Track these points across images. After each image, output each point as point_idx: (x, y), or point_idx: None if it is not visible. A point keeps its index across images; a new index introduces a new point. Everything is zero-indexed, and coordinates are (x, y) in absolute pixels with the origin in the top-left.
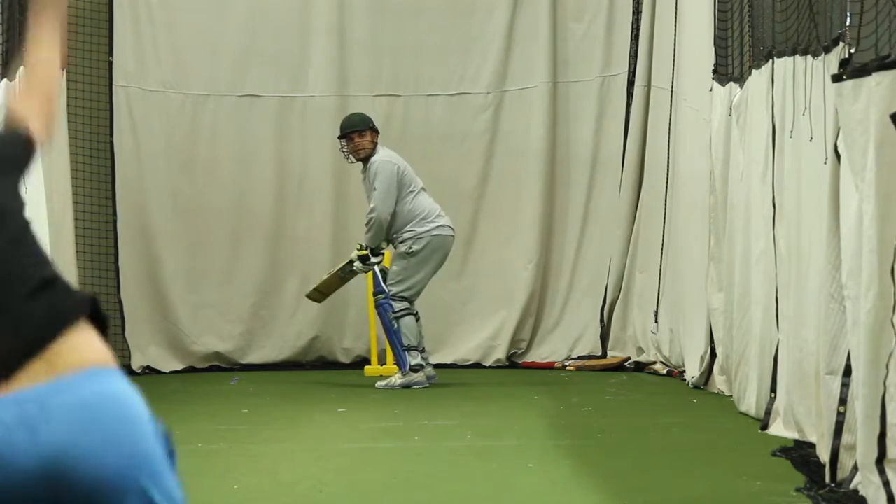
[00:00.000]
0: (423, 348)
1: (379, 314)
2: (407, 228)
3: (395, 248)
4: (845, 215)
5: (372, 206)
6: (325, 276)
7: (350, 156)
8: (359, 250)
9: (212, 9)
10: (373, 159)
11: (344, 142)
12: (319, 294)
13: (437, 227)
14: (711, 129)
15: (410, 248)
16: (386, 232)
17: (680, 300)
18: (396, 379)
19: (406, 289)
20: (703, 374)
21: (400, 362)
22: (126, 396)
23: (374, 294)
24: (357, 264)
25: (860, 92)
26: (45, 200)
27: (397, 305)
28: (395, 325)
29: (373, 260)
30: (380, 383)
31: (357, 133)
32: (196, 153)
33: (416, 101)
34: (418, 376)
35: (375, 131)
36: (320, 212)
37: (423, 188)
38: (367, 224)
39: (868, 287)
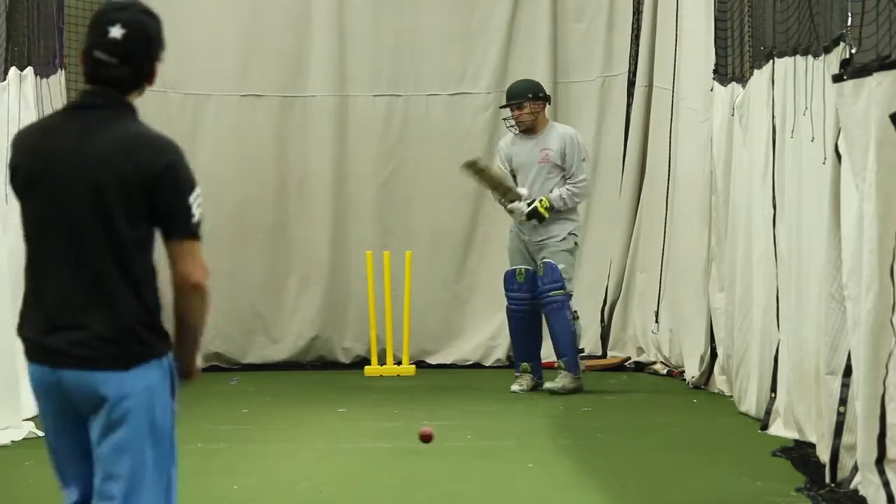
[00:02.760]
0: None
1: (553, 312)
2: (569, 216)
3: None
4: (846, 215)
5: (583, 177)
6: (493, 172)
7: (514, 126)
8: (540, 202)
9: (213, 9)
10: (565, 130)
11: (510, 110)
12: (478, 170)
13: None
14: (713, 129)
15: (575, 242)
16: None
17: (680, 300)
18: (569, 382)
19: (572, 286)
20: (703, 374)
21: (573, 365)
22: None
23: (549, 291)
24: (522, 207)
25: (861, 92)
26: None
27: (573, 306)
28: (574, 327)
29: (529, 213)
30: (550, 385)
31: (517, 105)
32: (196, 153)
33: (417, 100)
34: (582, 382)
35: (543, 100)
36: (321, 211)
37: None
38: (577, 189)
39: (868, 287)
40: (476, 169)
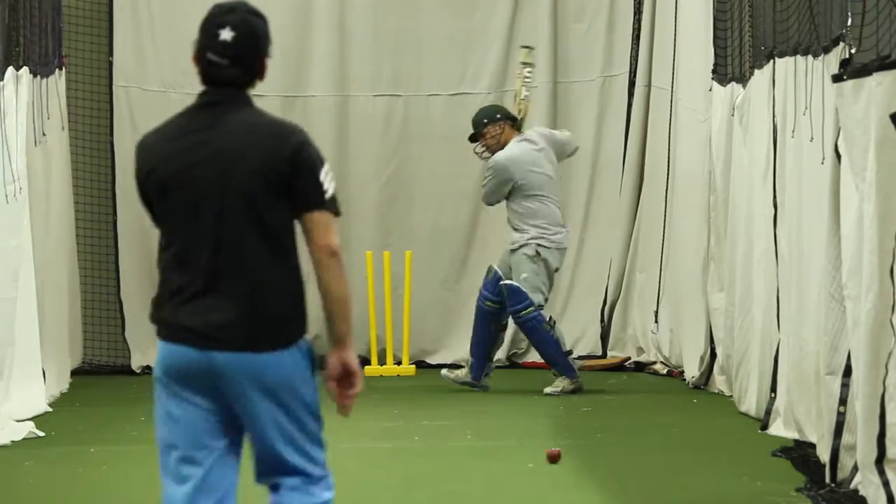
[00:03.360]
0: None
1: (530, 329)
2: (532, 234)
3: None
4: (846, 215)
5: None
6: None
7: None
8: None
9: None
10: (528, 135)
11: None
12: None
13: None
14: (712, 129)
15: (537, 251)
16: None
17: (680, 300)
18: (567, 385)
19: (544, 297)
20: (703, 374)
21: (567, 370)
22: None
23: (518, 312)
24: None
25: (860, 92)
26: (43, 201)
27: (545, 315)
28: (553, 334)
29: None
30: (549, 389)
31: (479, 135)
32: None
33: (417, 100)
34: (580, 382)
35: (491, 123)
36: None
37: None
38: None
39: (868, 287)
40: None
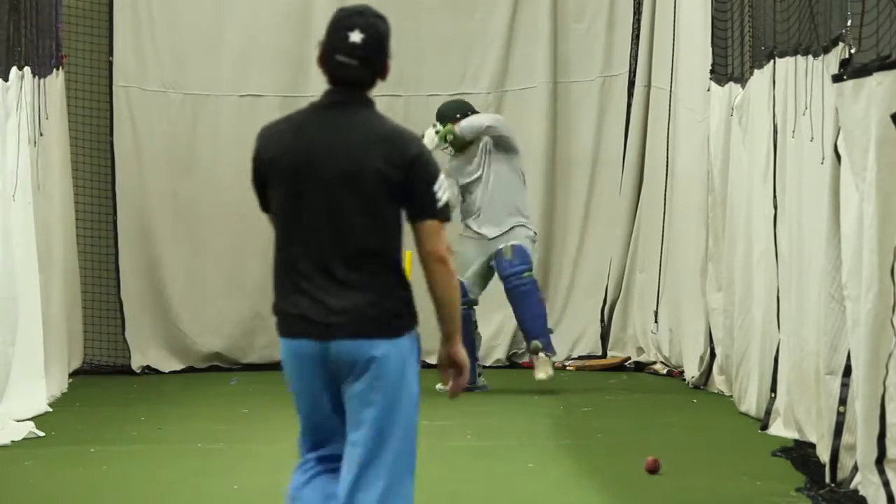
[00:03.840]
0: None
1: (529, 293)
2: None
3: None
4: (846, 215)
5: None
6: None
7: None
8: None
9: (212, 8)
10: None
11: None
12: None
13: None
14: (710, 130)
15: (535, 233)
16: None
17: (680, 300)
18: (552, 366)
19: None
20: (703, 374)
21: (550, 347)
22: None
23: (522, 273)
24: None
25: (861, 92)
26: (43, 201)
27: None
28: (544, 309)
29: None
30: (542, 376)
31: (456, 121)
32: (196, 153)
33: (417, 101)
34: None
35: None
36: None
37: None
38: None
39: (868, 287)
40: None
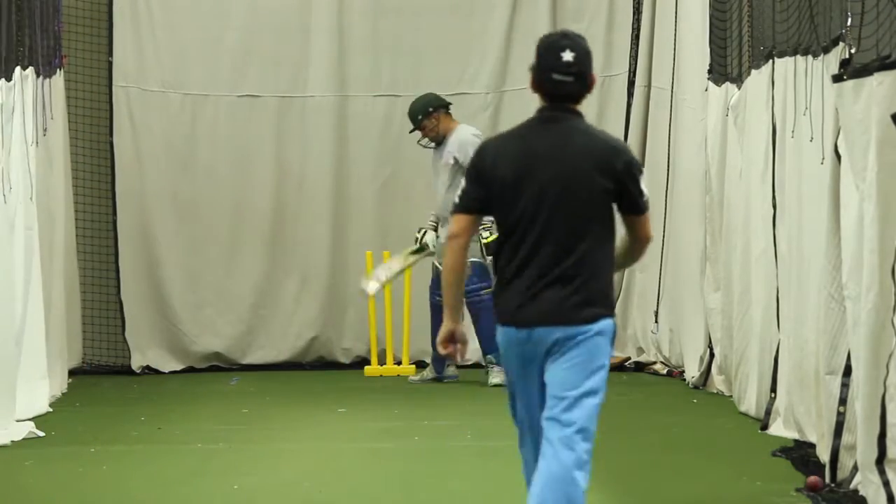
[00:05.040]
0: None
1: (482, 310)
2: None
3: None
4: (846, 215)
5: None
6: (391, 269)
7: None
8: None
9: (211, 9)
10: (461, 133)
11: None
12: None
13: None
14: (707, 129)
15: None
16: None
17: (680, 300)
18: (497, 374)
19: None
20: (703, 374)
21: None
22: None
23: (478, 290)
24: (432, 244)
25: (861, 92)
26: (44, 201)
27: None
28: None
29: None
30: (494, 380)
31: (419, 128)
32: (196, 153)
33: None
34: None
35: (434, 113)
36: (319, 212)
37: None
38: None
39: (869, 287)
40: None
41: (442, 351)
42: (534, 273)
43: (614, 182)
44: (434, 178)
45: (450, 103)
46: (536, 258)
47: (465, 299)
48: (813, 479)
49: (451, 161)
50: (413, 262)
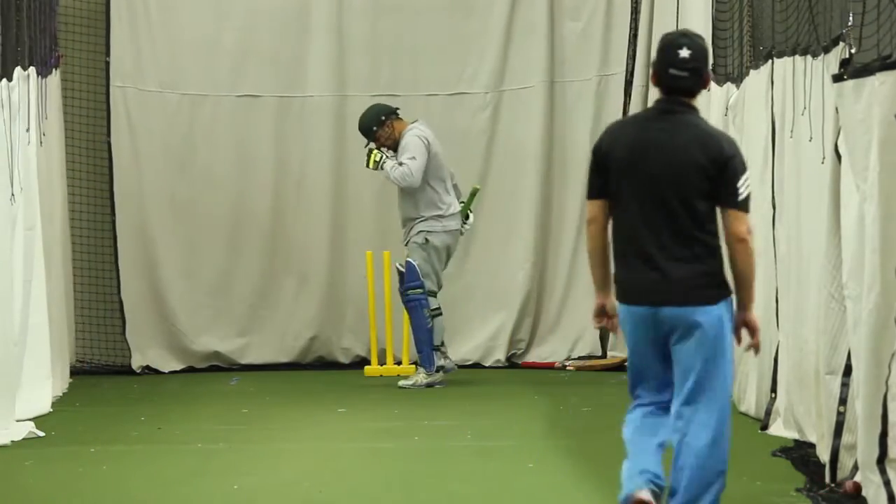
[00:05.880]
0: (443, 342)
1: (413, 309)
2: (427, 216)
3: (405, 234)
4: (846, 215)
5: (409, 167)
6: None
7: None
8: (376, 157)
9: (210, 9)
10: (407, 132)
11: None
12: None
13: (453, 224)
14: None
15: (426, 238)
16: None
17: None
18: (422, 378)
19: (436, 284)
20: None
21: (427, 362)
22: None
23: (409, 289)
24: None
25: (862, 92)
26: (43, 202)
27: (433, 303)
28: (430, 324)
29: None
30: (403, 382)
31: (374, 135)
32: (194, 153)
33: (415, 100)
34: (440, 376)
35: (387, 121)
36: (319, 212)
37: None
38: (403, 176)
39: (870, 287)
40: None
41: (596, 325)
42: (648, 251)
43: (717, 173)
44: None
45: (398, 108)
46: (646, 237)
47: (402, 299)
48: (850, 484)
49: (407, 151)
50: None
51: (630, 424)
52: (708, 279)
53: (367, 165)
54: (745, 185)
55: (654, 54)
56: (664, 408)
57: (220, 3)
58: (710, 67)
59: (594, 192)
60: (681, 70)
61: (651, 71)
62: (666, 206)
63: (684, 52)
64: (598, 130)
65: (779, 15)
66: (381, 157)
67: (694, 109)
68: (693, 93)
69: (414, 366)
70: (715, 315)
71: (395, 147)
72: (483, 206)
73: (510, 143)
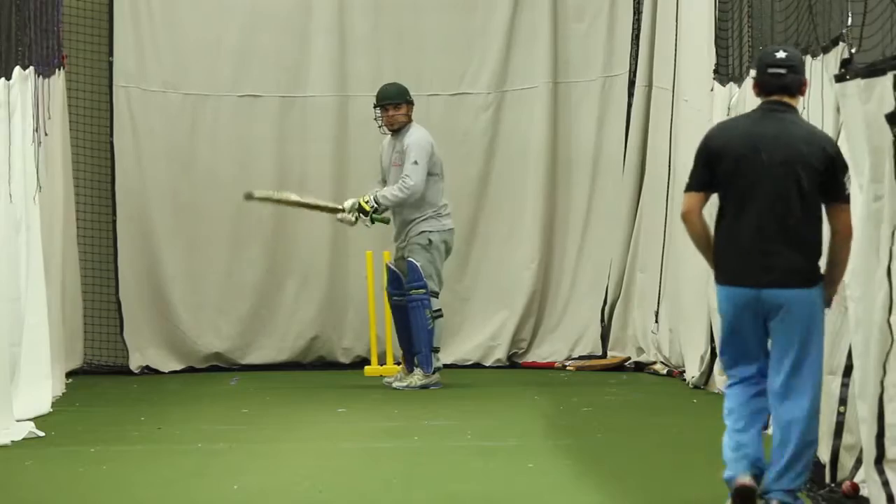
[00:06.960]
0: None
1: (413, 309)
2: (428, 215)
3: (402, 233)
4: None
5: (409, 179)
6: (286, 196)
7: (384, 126)
8: (364, 202)
9: (212, 9)
10: (409, 133)
11: (378, 111)
12: (261, 200)
13: (449, 222)
14: None
15: (429, 239)
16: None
17: (680, 300)
18: (417, 380)
19: (438, 284)
20: (703, 374)
21: (425, 363)
22: None
23: (412, 289)
24: (347, 215)
25: (862, 92)
26: (44, 201)
27: (435, 304)
28: (431, 325)
29: (363, 218)
30: (398, 384)
31: (392, 105)
32: (196, 153)
33: (417, 100)
34: (437, 377)
35: (411, 104)
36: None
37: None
38: (401, 190)
39: (870, 288)
40: (259, 199)
41: None
42: (755, 237)
43: (824, 168)
44: (386, 163)
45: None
46: (757, 225)
47: (402, 299)
48: (849, 485)
49: (411, 155)
50: (314, 207)
51: (731, 399)
52: (808, 265)
53: (370, 223)
54: (848, 181)
55: (659, 55)
56: (759, 383)
57: (222, 4)
58: (804, 73)
59: (699, 184)
60: (779, 67)
61: (753, 83)
62: (774, 197)
63: (781, 53)
64: (602, 131)
65: (779, 15)
66: (370, 200)
67: (796, 110)
68: (792, 92)
69: (398, 365)
70: (812, 297)
71: (393, 129)
72: (486, 207)
73: (513, 144)
